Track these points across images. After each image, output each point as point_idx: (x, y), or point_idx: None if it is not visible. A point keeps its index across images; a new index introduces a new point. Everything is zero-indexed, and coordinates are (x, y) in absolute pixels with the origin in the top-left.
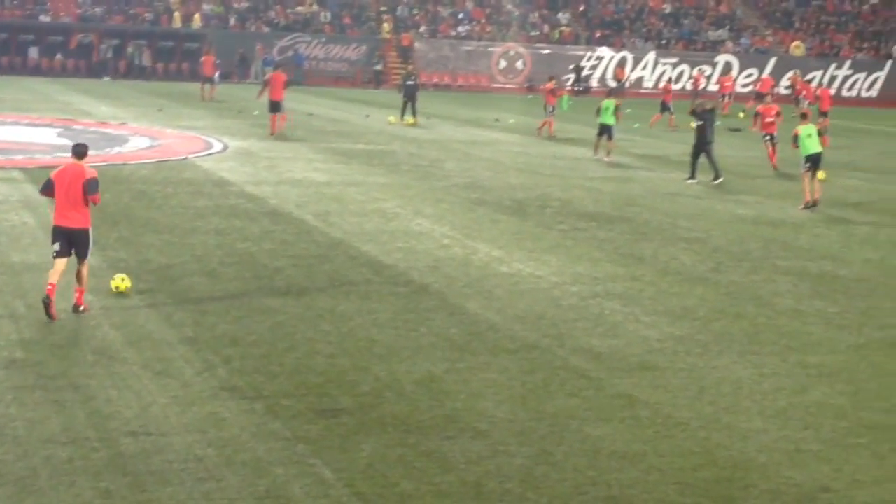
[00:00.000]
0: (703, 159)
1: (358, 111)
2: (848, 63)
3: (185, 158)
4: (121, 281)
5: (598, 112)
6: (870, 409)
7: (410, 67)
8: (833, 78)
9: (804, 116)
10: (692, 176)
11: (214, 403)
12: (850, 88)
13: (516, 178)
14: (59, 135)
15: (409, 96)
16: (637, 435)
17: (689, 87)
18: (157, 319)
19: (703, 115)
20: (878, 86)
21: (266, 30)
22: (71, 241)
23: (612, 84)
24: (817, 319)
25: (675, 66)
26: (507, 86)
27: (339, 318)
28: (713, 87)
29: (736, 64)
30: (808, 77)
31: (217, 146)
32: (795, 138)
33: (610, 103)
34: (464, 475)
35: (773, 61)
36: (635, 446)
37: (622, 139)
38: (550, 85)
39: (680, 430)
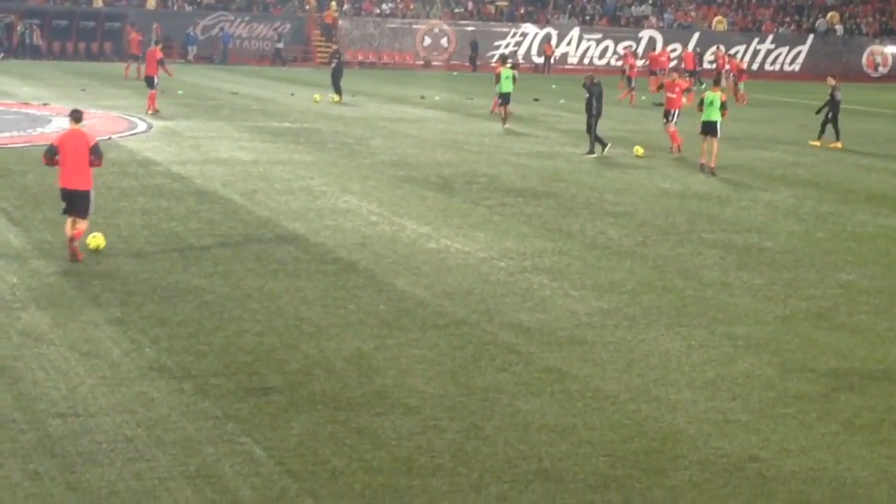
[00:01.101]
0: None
1: (283, 90)
2: (770, 37)
3: (110, 139)
4: (98, 239)
5: (497, 80)
6: (796, 378)
7: (335, 47)
8: (756, 52)
9: (716, 83)
10: (603, 145)
11: (143, 383)
12: (773, 62)
13: (442, 155)
14: None
15: (335, 75)
16: (567, 408)
17: (614, 63)
18: (84, 300)
19: (591, 88)
20: (800, 60)
21: (189, 8)
22: (75, 201)
23: (539, 60)
24: (744, 291)
25: (598, 42)
26: (433, 63)
27: (267, 297)
28: (640, 63)
29: (660, 39)
30: (733, 51)
31: (141, 126)
32: (701, 102)
33: (509, 72)
34: (395, 451)
35: (696, 36)
36: (565, 419)
37: (549, 115)
38: (499, 65)
39: (609, 402)
